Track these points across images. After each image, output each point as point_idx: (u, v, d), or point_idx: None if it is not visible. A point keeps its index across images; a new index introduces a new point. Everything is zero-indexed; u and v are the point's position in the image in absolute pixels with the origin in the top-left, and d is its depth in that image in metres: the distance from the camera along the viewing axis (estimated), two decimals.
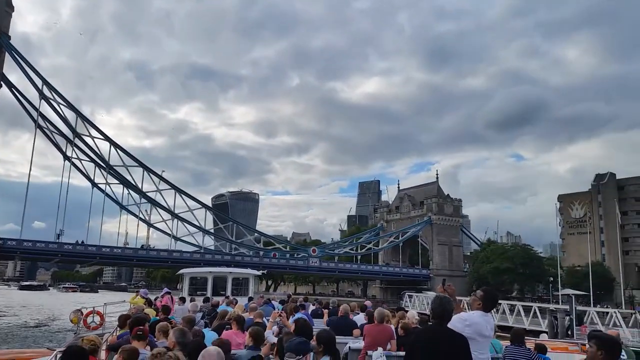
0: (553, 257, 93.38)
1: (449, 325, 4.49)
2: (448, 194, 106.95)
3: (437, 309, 4.28)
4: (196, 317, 10.20)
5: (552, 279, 65.66)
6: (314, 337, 5.30)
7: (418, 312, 9.12)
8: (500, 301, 42.87)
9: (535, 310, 37.10)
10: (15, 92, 67.46)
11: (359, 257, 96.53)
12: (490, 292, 5.19)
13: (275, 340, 6.50)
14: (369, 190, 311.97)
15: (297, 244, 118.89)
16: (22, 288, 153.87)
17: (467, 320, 4.74)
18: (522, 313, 37.53)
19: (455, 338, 4.09)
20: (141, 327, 6.17)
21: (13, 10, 70.86)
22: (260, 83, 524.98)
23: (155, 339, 6.51)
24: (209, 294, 20.28)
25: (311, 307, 13.77)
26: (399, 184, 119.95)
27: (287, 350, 4.72)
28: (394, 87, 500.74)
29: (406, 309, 11.94)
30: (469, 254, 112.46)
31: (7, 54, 66.15)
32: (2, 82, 66.58)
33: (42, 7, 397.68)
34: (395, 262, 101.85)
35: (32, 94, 68.00)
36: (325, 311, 11.32)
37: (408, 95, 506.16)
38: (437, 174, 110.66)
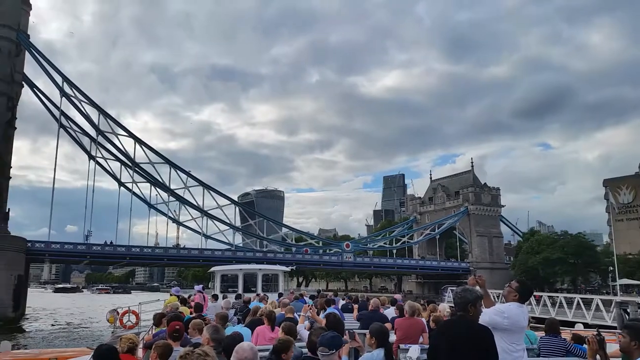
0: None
1: (486, 317, 4.60)
2: (485, 183, 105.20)
3: (458, 300, 4.31)
4: (229, 314, 10.63)
5: (611, 268, 63.59)
6: (368, 331, 5.44)
7: (450, 305, 9.25)
8: (556, 294, 41.85)
9: (597, 303, 35.14)
10: (37, 91, 69.29)
11: (393, 251, 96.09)
12: (525, 283, 5.25)
13: (307, 334, 6.77)
14: (393, 184, 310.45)
15: (328, 239, 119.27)
16: (57, 291, 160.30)
17: (505, 312, 4.80)
18: (583, 306, 35.94)
19: (478, 329, 4.12)
20: (178, 328, 6.52)
21: (30, 9, 72.65)
22: (281, 81, 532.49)
23: (189, 337, 6.89)
24: (240, 290, 20.85)
25: (341, 302, 14.07)
26: (431, 175, 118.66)
27: (320, 345, 4.75)
28: (415, 79, 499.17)
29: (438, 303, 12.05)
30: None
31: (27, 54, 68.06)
32: (24, 82, 68.71)
33: (65, 14, 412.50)
34: (432, 255, 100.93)
35: (56, 97, 69.74)
36: (355, 306, 11.57)
37: (429, 87, 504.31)
38: (472, 162, 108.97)
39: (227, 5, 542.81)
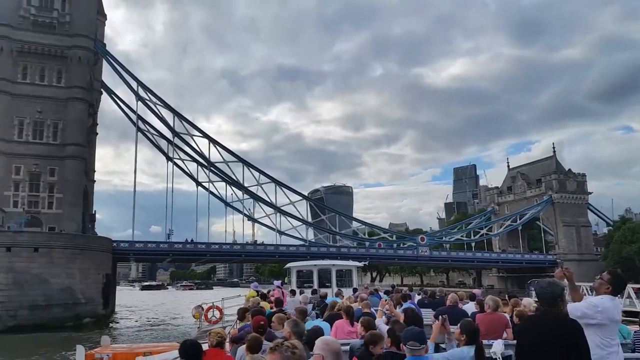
0: None
1: (577, 312, 4.51)
2: (569, 169, 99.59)
3: (546, 295, 4.19)
4: (308, 308, 10.99)
5: None
6: (459, 326, 5.49)
7: (536, 300, 9.02)
8: None
9: None
10: (116, 97, 73.50)
11: (472, 244, 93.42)
12: (618, 274, 5.09)
13: (387, 329, 6.89)
14: (465, 176, 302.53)
15: (402, 233, 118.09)
16: (143, 288, 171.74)
17: (598, 306, 4.65)
18: None
19: (566, 324, 4.04)
20: (262, 323, 6.89)
21: (105, 19, 77.30)
22: (344, 77, 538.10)
23: (273, 330, 7.25)
24: (315, 286, 21.33)
25: (417, 297, 14.03)
26: (508, 163, 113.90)
27: (409, 339, 4.75)
28: (482, 66, 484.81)
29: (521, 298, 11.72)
30: None
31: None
32: (102, 90, 73.57)
33: (138, 26, 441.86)
34: (513, 248, 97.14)
35: (132, 104, 73.51)
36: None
37: (497, 74, 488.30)
38: (553, 148, 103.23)
39: (290, 6, 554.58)
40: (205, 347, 5.98)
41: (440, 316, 5.85)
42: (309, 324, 7.56)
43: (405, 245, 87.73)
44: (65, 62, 63.28)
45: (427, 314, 9.86)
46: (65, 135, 61.77)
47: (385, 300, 9.47)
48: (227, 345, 7.52)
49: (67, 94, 62.45)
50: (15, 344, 36.61)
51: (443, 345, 6.02)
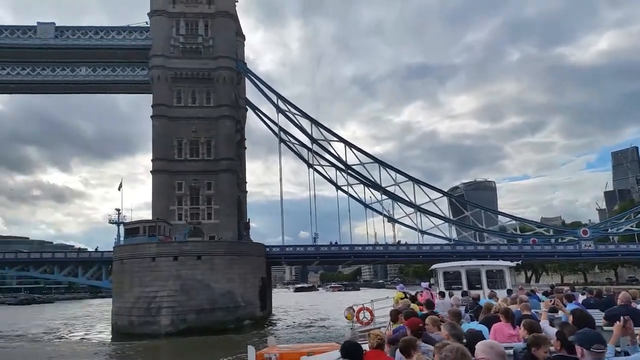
0: None
1: None
2: None
3: None
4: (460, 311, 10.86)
5: None
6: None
7: None
8: None
9: None
10: (259, 112, 78.64)
11: None
12: None
13: (553, 331, 6.60)
14: (626, 160, 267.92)
15: (559, 227, 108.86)
16: (297, 290, 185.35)
17: None
18: None
19: None
20: (421, 326, 7.03)
21: (244, 39, 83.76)
22: (477, 67, 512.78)
23: (428, 332, 7.34)
24: (464, 287, 20.78)
25: (581, 297, 13.05)
26: None
27: (593, 342, 4.55)
28: (635, 37, 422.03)
29: None
30: None
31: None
32: (247, 107, 78.89)
33: (276, 46, 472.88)
34: None
35: (274, 116, 78.12)
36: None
37: None
38: None
39: (413, 3, 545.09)
40: (364, 347, 6.29)
41: (622, 317, 5.49)
42: (464, 327, 7.51)
43: (565, 240, 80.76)
44: (212, 83, 69.58)
45: (595, 315, 9.18)
46: (217, 151, 67.82)
47: (551, 301, 9.00)
48: (386, 347, 7.78)
49: (216, 113, 68.54)
50: (188, 346, 41.15)
51: (618, 349, 5.65)
